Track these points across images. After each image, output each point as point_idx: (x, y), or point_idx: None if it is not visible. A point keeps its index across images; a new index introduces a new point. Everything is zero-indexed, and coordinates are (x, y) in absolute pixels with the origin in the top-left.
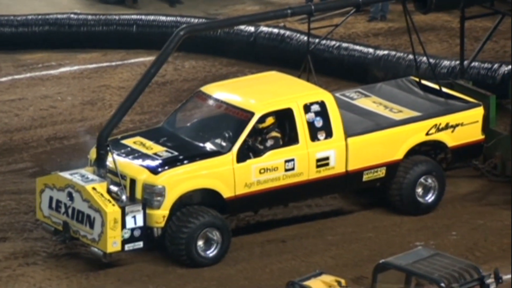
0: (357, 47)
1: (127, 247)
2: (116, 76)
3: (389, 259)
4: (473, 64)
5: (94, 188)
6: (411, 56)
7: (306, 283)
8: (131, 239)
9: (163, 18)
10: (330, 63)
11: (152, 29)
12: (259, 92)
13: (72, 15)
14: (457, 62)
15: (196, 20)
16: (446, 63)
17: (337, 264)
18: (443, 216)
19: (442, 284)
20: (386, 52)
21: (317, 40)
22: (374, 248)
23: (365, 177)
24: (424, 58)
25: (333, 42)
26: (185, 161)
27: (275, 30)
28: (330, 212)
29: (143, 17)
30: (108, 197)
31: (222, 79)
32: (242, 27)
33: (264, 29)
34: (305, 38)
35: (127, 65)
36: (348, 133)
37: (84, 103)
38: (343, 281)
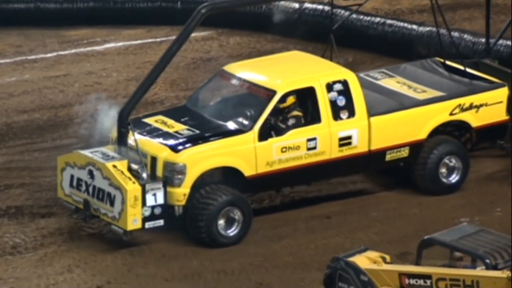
0: (401, 24)
1: (148, 225)
2: (161, 52)
3: (433, 235)
4: (501, 42)
5: (114, 166)
6: (453, 33)
7: (351, 259)
8: (152, 217)
9: None
10: (375, 39)
11: (196, 5)
12: (281, 71)
13: None
14: (500, 39)
15: None
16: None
17: (382, 240)
18: (487, 193)
19: (487, 260)
20: (429, 28)
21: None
22: (419, 224)
23: (388, 157)
24: (465, 36)
25: (377, 19)
26: (207, 139)
27: (320, 7)
28: (374, 188)
29: None
30: (128, 174)
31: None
32: (286, 3)
33: (308, 5)
34: (352, 15)
35: (171, 41)
36: (371, 113)
37: (129, 79)
38: (387, 257)
